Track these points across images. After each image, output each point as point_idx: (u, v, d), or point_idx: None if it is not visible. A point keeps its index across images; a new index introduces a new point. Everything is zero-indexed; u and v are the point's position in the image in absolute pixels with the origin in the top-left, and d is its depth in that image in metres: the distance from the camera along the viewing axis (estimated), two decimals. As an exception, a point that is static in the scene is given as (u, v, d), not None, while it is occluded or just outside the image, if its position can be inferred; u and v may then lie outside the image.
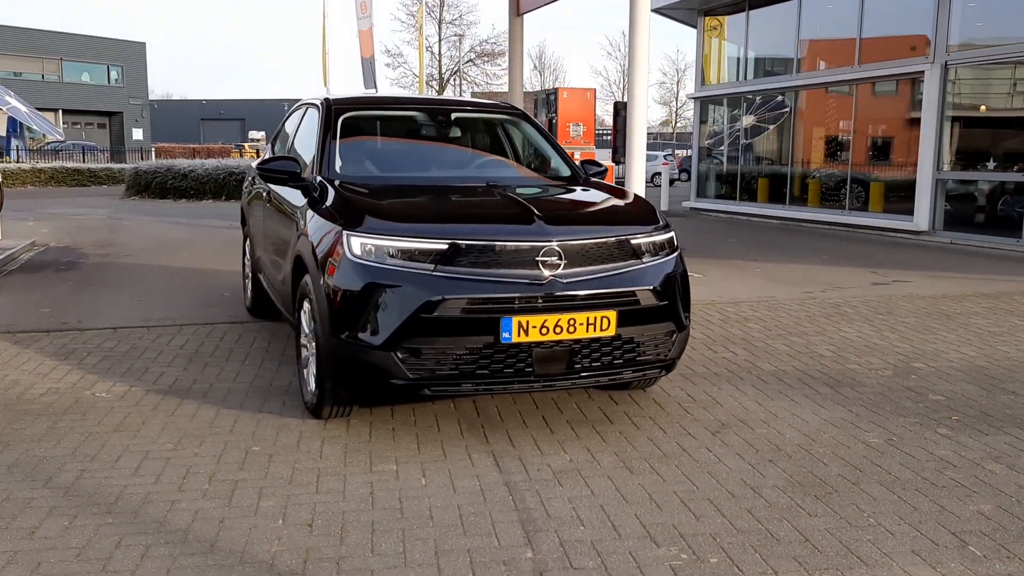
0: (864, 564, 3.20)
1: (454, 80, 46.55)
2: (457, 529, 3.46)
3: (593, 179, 5.63)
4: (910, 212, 15.12)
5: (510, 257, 4.26)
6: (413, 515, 3.58)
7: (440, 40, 44.87)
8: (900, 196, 15.60)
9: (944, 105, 14.52)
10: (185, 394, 5.17)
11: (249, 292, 7.21)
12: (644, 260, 4.55)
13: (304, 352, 4.90)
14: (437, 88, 44.94)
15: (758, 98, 19.37)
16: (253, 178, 6.92)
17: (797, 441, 4.49)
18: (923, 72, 14.72)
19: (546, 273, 4.26)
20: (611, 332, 4.33)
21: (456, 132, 5.99)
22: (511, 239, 4.28)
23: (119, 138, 57.90)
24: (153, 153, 50.89)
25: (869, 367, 5.97)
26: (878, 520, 3.57)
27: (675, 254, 4.73)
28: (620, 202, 5.06)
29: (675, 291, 4.62)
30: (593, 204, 5.06)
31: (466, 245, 4.23)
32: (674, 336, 4.60)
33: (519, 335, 4.17)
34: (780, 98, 18.76)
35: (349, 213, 4.45)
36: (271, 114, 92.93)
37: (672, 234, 4.77)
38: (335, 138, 5.37)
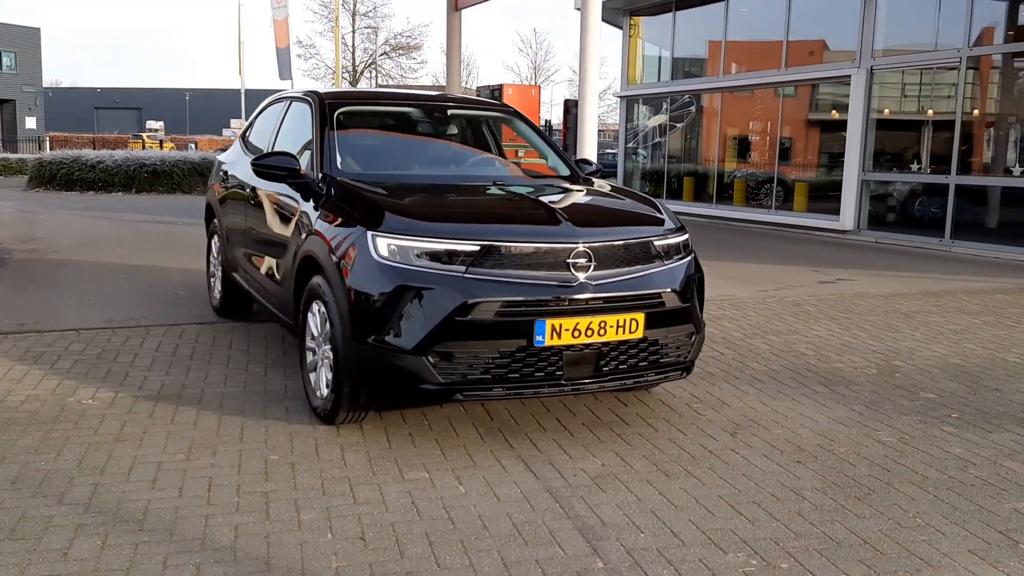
0: (929, 566, 3.23)
1: (368, 73, 45.96)
2: (516, 539, 3.37)
3: (589, 177, 5.60)
4: (834, 211, 15.57)
5: (542, 259, 4.18)
6: (465, 525, 3.48)
7: (354, 31, 44.22)
8: (824, 196, 16.05)
9: (869, 108, 14.98)
10: (178, 400, 4.94)
11: (218, 292, 6.94)
12: (666, 262, 4.53)
13: (310, 356, 4.73)
14: (351, 81, 44.27)
15: (685, 98, 19.66)
16: (225, 172, 6.66)
17: (815, 441, 4.54)
18: (849, 76, 15.15)
19: (577, 275, 4.20)
20: (639, 335, 4.29)
21: (453, 129, 5.87)
22: (543, 240, 4.20)
23: (11, 127, 55.36)
24: (48, 143, 48.79)
25: (853, 365, 6.09)
26: (925, 520, 3.62)
27: (691, 256, 4.72)
28: (635, 203, 5.02)
29: (694, 293, 4.62)
30: (612, 205, 5.01)
31: (498, 247, 4.13)
32: (693, 338, 4.60)
33: (552, 338, 4.10)
34: (700, 99, 19.09)
35: (372, 212, 4.30)
36: (171, 104, 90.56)
37: (688, 236, 4.76)
38: (333, 134, 5.18)
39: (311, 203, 4.84)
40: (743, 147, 18.45)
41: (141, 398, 4.96)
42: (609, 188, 5.36)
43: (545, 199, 4.73)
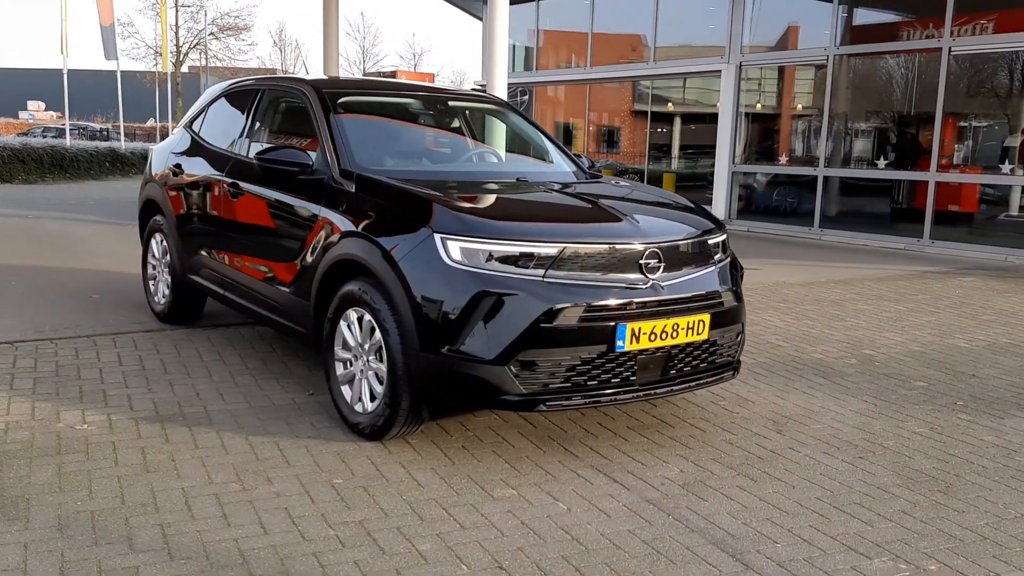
0: (1058, 557, 3.32)
1: (194, 54, 43.76)
2: (658, 558, 3.22)
3: (598, 173, 5.48)
4: (706, 202, 16.07)
5: (616, 261, 4.02)
6: (597, 546, 3.29)
7: (177, 9, 41.83)
8: (694, 186, 16.56)
9: (739, 103, 15.55)
10: (184, 420, 4.46)
11: (163, 297, 6.34)
12: (717, 261, 4.47)
13: (341, 368, 4.39)
14: (174, 62, 41.92)
15: (547, 89, 19.77)
16: (178, 166, 6.07)
17: (858, 436, 4.60)
18: (720, 71, 15.67)
19: (649, 277, 4.07)
20: (704, 336, 4.21)
21: (456, 122, 5.58)
22: (619, 241, 4.04)
23: None
24: None
25: (832, 356, 6.25)
26: (1017, 511, 3.72)
27: (730, 253, 4.68)
28: (675, 200, 4.93)
29: (741, 291, 4.59)
30: (659, 203, 4.89)
31: (577, 248, 3.94)
32: (740, 336, 4.56)
33: (631, 343, 3.95)
34: (531, 91, 19.26)
35: (436, 212, 4.00)
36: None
37: (727, 234, 4.72)
38: (343, 126, 4.81)
39: (333, 201, 4.47)
40: (610, 139, 18.76)
41: (141, 420, 4.45)
42: (630, 184, 5.25)
43: (598, 198, 4.56)
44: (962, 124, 13.35)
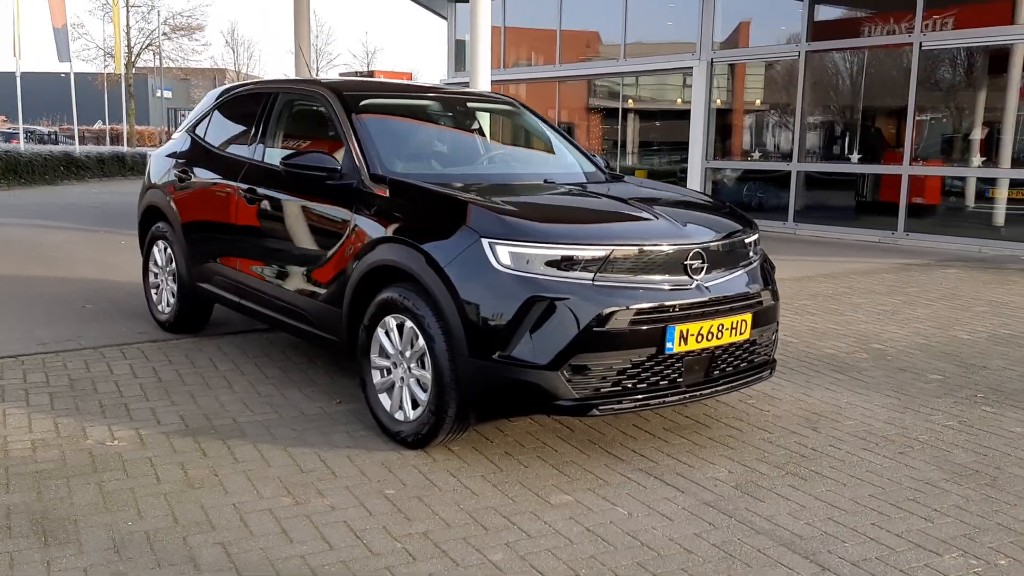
0: (1118, 547, 3.37)
1: (146, 55, 42.94)
2: (733, 562, 3.20)
3: (619, 174, 5.45)
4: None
5: (662, 262, 4.00)
6: (667, 551, 3.27)
7: (128, 9, 41.01)
8: (669, 182, 16.63)
9: (711, 99, 15.66)
10: (216, 434, 4.36)
11: (168, 306, 6.19)
12: (752, 259, 4.47)
13: (378, 376, 4.32)
14: (126, 63, 41.08)
15: (509, 88, 19.72)
16: (185, 172, 5.93)
17: (891, 431, 4.63)
18: (692, 68, 15.75)
19: (694, 278, 4.05)
20: (746, 336, 4.21)
21: (475, 124, 5.51)
22: (665, 242, 4.02)
23: None
24: None
25: (842, 351, 6.30)
26: (1068, 502, 3.77)
27: (761, 252, 4.69)
28: (708, 199, 4.92)
29: (777, 289, 4.60)
30: (692, 203, 4.87)
31: (624, 251, 3.91)
32: (775, 335, 4.57)
33: (680, 344, 3.94)
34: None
35: (482, 217, 3.94)
36: None
37: (759, 232, 4.72)
38: (368, 130, 4.73)
39: (365, 207, 4.40)
40: (584, 136, 18.78)
41: (172, 434, 4.33)
42: (654, 184, 5.23)
43: (631, 198, 4.53)
44: (931, 118, 13.57)
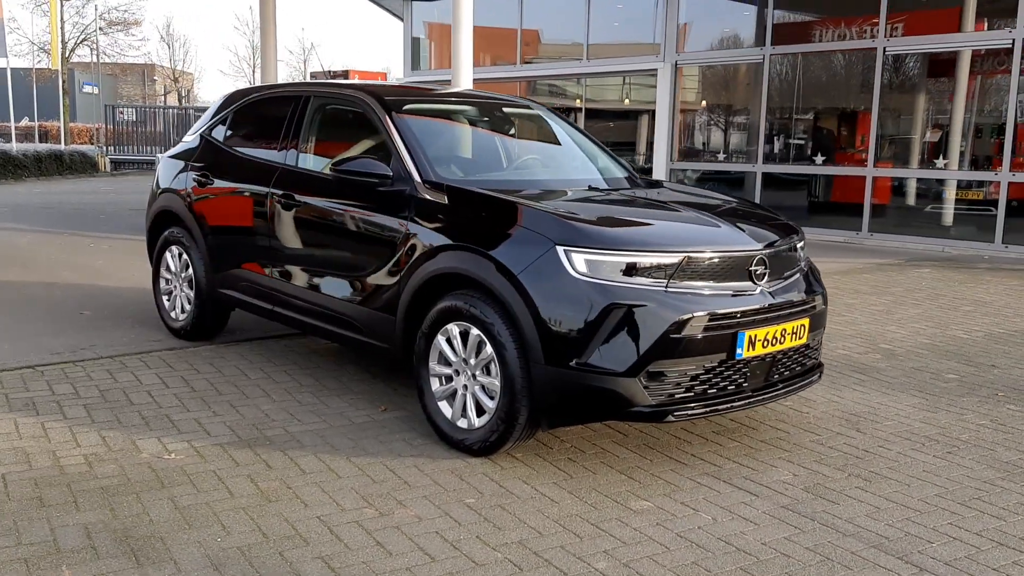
0: None
1: (81, 50, 41.72)
2: (833, 566, 3.26)
3: (657, 180, 5.50)
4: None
5: (730, 268, 4.05)
6: (765, 555, 3.31)
7: (61, 4, 39.78)
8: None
9: (675, 100, 15.84)
10: (273, 445, 4.29)
11: (184, 312, 6.06)
12: (803, 265, 4.55)
13: (436, 384, 4.30)
14: (62, 58, 39.86)
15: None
16: (205, 175, 5.80)
17: (932, 431, 4.74)
18: (656, 69, 15.91)
19: (758, 283, 4.12)
20: (803, 340, 4.29)
21: (513, 128, 5.50)
22: (732, 249, 4.07)
23: None
24: None
25: (855, 352, 6.44)
26: (1123, 498, 3.92)
27: (807, 257, 4.77)
28: (755, 205, 4.98)
29: (826, 292, 4.68)
30: (745, 209, 4.91)
31: (696, 257, 3.95)
32: (821, 339, 4.65)
33: (748, 350, 3.99)
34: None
35: (556, 225, 3.94)
36: None
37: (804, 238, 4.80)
38: (415, 136, 4.69)
39: (422, 214, 4.36)
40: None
41: (227, 446, 4.25)
42: (693, 189, 5.28)
43: (685, 204, 4.57)
44: (894, 120, 13.93)
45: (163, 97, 54.60)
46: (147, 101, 50.91)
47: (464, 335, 4.15)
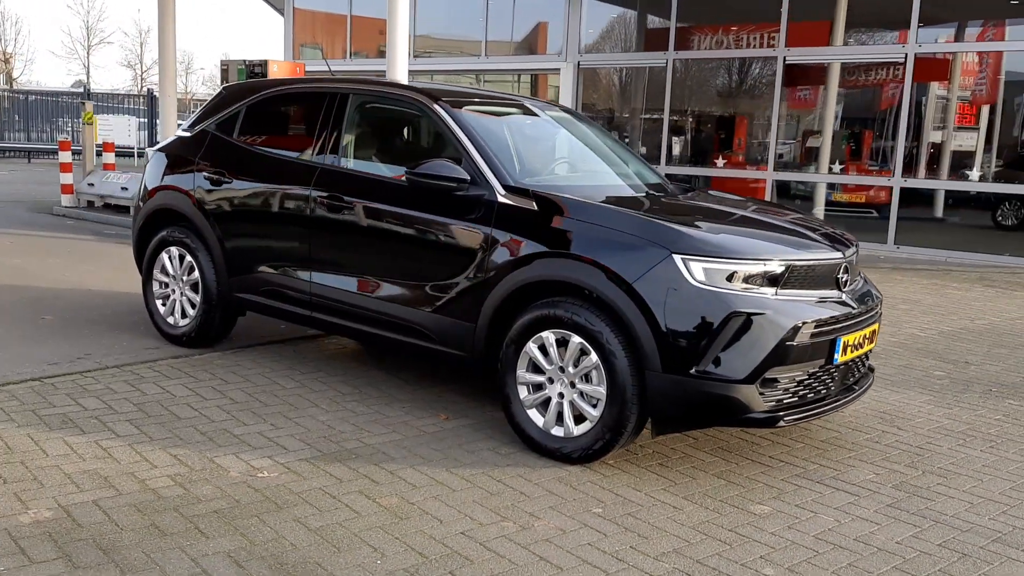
0: None
1: None
2: (975, 561, 3.43)
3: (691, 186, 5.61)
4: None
5: (823, 275, 4.20)
6: (910, 555, 3.46)
7: None
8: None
9: (579, 101, 16.08)
10: (360, 458, 4.13)
11: (187, 317, 5.71)
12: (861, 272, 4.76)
13: (528, 392, 4.25)
14: None
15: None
16: (219, 172, 5.47)
17: (961, 427, 5.05)
18: (559, 69, 16.11)
19: (843, 290, 4.28)
20: (874, 344, 4.49)
21: (562, 131, 5.45)
22: (825, 256, 4.21)
23: None
24: None
25: (839, 350, 6.75)
26: None
27: None
28: (805, 214, 5.13)
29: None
30: (804, 217, 5.04)
31: (799, 265, 4.08)
32: (872, 343, 4.87)
33: (843, 354, 4.15)
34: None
35: (672, 233, 3.97)
36: None
37: None
38: (484, 138, 4.61)
39: (509, 221, 4.29)
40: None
41: (314, 461, 4.08)
42: (728, 195, 5.41)
43: (755, 211, 4.68)
44: (786, 125, 14.65)
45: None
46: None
47: (561, 342, 4.11)
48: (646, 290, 3.87)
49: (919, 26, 12.57)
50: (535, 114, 5.44)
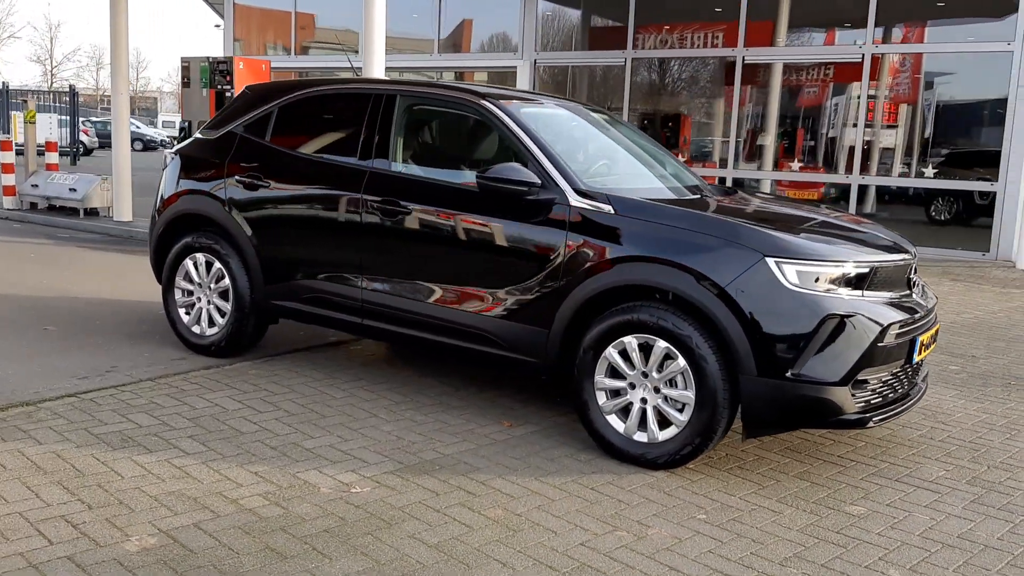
0: None
1: None
2: (1073, 553, 3.54)
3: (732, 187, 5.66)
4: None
5: (898, 276, 4.26)
6: (1019, 551, 3.54)
7: None
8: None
9: (535, 98, 16.07)
10: (444, 470, 4.05)
11: (216, 326, 5.50)
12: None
13: (607, 398, 4.22)
14: None
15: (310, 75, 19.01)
16: (254, 175, 5.27)
17: (1000, 421, 5.18)
18: (516, 67, 16.07)
19: (913, 291, 4.35)
20: (935, 345, 4.57)
21: (610, 132, 5.41)
22: (900, 258, 4.28)
23: None
24: None
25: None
26: None
27: None
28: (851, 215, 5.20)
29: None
30: (852, 220, 5.09)
31: (882, 267, 4.13)
32: (923, 343, 4.97)
33: (919, 353, 4.22)
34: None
35: (763, 237, 3.97)
36: None
37: None
38: (549, 142, 4.55)
39: (585, 225, 4.25)
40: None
41: (402, 474, 3.98)
42: (779, 197, 5.45)
43: (810, 211, 4.73)
44: (737, 126, 14.91)
45: None
46: None
47: (645, 348, 4.09)
48: (740, 294, 3.87)
49: (875, 26, 12.91)
50: (579, 115, 5.39)
